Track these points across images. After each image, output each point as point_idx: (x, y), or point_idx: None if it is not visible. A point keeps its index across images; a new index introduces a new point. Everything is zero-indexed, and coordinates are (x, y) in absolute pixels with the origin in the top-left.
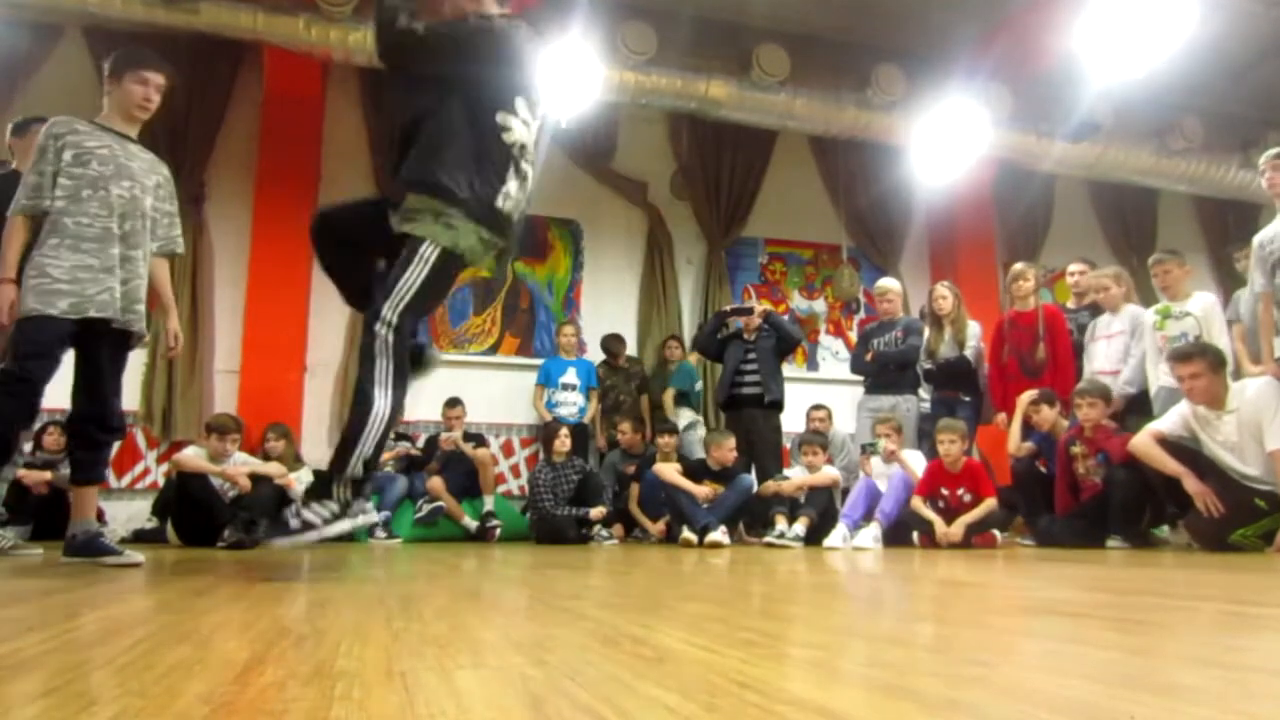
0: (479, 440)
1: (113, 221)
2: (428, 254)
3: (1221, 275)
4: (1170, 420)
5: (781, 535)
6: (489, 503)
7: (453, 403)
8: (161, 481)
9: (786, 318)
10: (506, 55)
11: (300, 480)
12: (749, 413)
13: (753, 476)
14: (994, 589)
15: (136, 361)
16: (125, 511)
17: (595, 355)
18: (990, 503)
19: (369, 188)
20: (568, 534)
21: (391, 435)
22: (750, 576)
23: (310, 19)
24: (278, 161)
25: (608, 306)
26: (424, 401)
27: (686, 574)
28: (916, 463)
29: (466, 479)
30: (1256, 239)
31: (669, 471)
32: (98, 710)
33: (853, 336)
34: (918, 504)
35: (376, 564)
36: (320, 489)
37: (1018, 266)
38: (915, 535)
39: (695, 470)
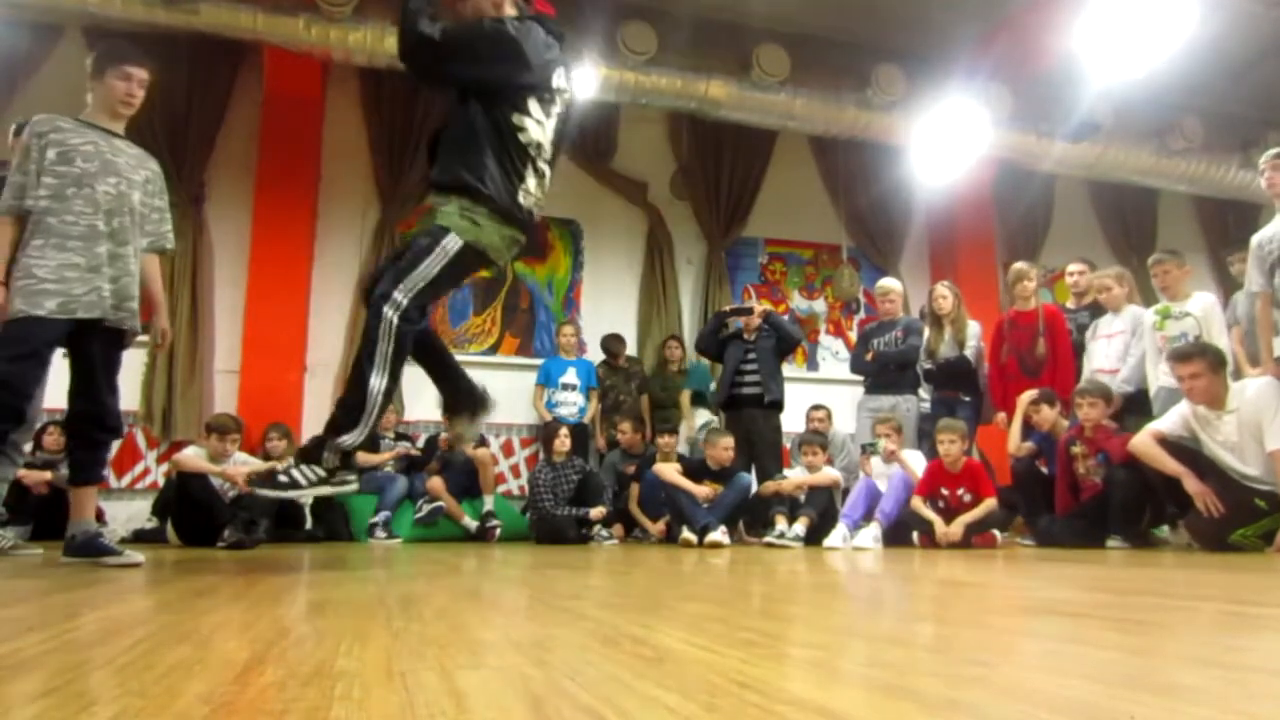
0: (479, 440)
1: (99, 219)
2: (450, 246)
3: (1221, 275)
4: (1170, 420)
5: (781, 535)
6: (489, 503)
7: None
8: (161, 481)
9: (786, 318)
10: (517, 56)
11: None
12: (749, 413)
13: (751, 476)
14: (994, 589)
15: (136, 361)
16: (125, 511)
17: (595, 355)
18: (990, 503)
19: (369, 188)
20: (568, 534)
21: (392, 435)
22: (750, 576)
23: (310, 19)
24: (277, 162)
25: (608, 306)
26: (424, 401)
27: (686, 574)
28: (916, 463)
29: (466, 479)
30: (1255, 239)
31: (669, 471)
32: (98, 710)
33: (853, 336)
34: (918, 504)
35: (376, 564)
36: (312, 452)
37: (1020, 266)
38: (915, 535)
39: (695, 470)
